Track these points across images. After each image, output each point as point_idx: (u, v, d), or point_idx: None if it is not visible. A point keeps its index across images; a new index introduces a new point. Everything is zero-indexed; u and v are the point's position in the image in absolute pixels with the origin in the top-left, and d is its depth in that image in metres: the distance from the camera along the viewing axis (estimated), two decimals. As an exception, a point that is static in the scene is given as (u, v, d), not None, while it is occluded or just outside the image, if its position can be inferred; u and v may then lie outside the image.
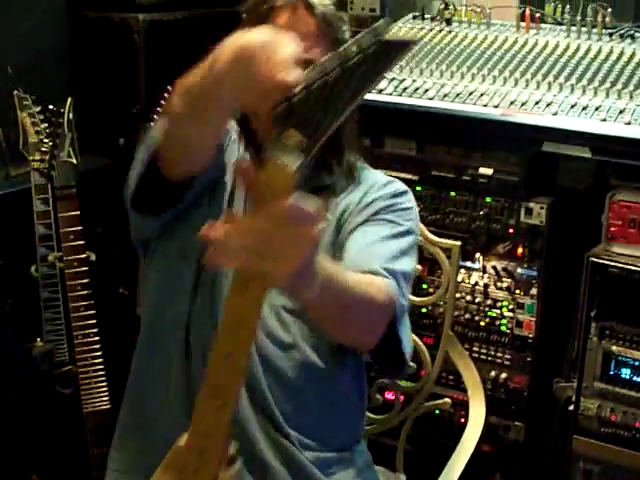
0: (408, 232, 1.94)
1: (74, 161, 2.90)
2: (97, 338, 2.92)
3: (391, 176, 2.10)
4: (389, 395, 2.57)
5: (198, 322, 1.85)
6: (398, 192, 2.01)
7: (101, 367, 2.94)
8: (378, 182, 2.02)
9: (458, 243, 2.35)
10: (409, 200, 2.01)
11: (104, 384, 2.95)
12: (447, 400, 2.41)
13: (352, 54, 1.21)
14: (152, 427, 1.92)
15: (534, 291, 2.99)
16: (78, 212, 2.87)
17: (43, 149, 2.91)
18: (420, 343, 2.41)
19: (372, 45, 1.19)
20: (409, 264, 1.90)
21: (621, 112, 2.74)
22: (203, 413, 1.46)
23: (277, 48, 1.35)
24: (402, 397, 2.50)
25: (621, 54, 2.98)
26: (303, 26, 1.87)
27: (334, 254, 1.88)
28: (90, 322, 2.91)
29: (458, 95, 2.95)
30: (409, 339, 1.86)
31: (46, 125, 2.93)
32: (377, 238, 1.88)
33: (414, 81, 3.03)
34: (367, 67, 1.21)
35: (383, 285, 1.73)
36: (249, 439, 1.80)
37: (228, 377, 1.40)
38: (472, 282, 3.07)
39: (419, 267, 2.37)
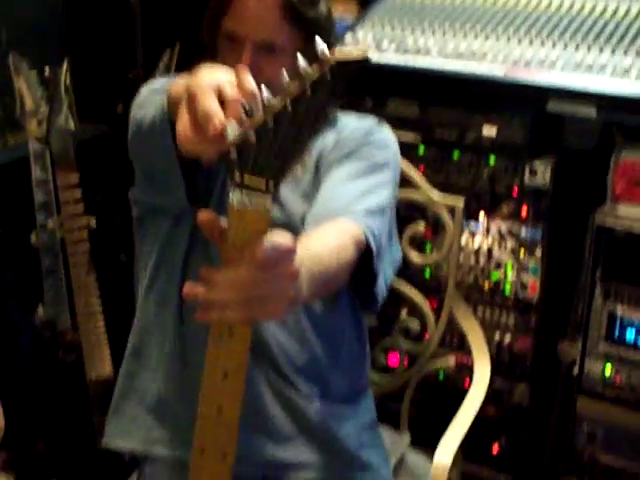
0: (383, 165, 1.92)
1: (72, 126, 2.87)
2: (99, 305, 2.90)
3: (394, 138, 2.07)
4: (393, 359, 2.54)
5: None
6: (371, 127, 1.99)
7: (104, 334, 2.93)
8: (351, 122, 2.00)
9: (462, 198, 2.31)
10: (384, 133, 1.99)
11: (107, 351, 2.93)
12: (451, 358, 2.38)
13: (301, 88, 1.14)
14: (146, 391, 1.92)
15: (538, 252, 2.97)
16: (77, 178, 2.84)
17: (40, 116, 2.87)
18: (424, 304, 2.39)
19: (322, 74, 1.13)
20: (384, 198, 1.86)
21: (627, 70, 2.71)
22: (201, 474, 1.39)
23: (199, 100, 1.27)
24: (406, 361, 2.47)
25: (628, 11, 2.93)
26: (269, 11, 1.84)
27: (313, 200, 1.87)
28: (92, 289, 2.89)
29: (461, 54, 2.92)
30: (385, 274, 1.85)
31: (42, 90, 2.89)
32: (349, 176, 1.86)
33: (416, 41, 3.00)
34: (322, 95, 1.14)
35: (352, 234, 1.69)
36: (252, 390, 1.78)
37: (224, 431, 1.34)
38: (475, 244, 3.05)
39: (422, 226, 2.35)
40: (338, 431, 1.92)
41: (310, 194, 1.88)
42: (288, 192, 1.88)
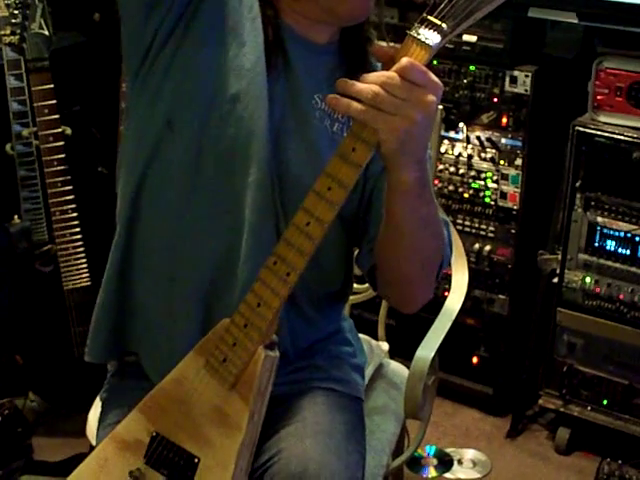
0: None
1: (46, 32, 2.82)
2: (75, 214, 2.88)
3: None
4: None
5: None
6: None
7: (80, 244, 2.91)
8: None
9: (440, 107, 2.27)
10: None
11: (84, 261, 2.92)
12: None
13: None
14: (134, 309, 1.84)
15: (519, 162, 2.96)
16: (52, 85, 2.80)
17: (14, 21, 2.81)
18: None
19: None
20: None
21: (609, -25, 2.67)
22: (263, 283, 1.49)
23: None
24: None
25: None
26: None
27: None
28: (68, 198, 2.86)
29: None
30: None
31: (16, -4, 2.83)
32: None
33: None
34: None
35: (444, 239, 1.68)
36: None
37: (303, 244, 1.44)
38: (455, 153, 3.04)
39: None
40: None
41: None
42: None
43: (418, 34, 1.35)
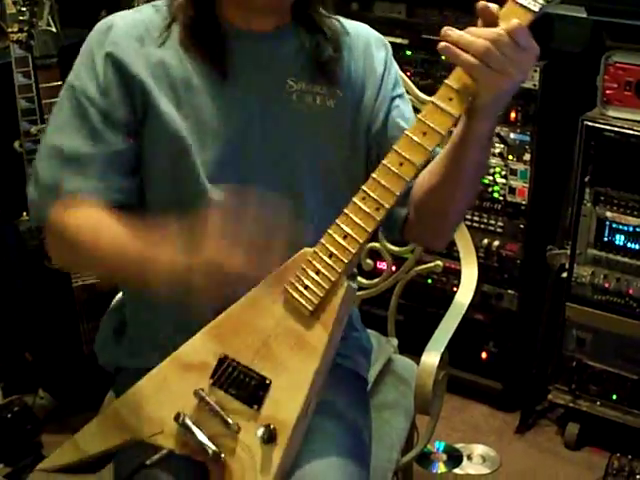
0: None
1: (54, 29, 2.82)
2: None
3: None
4: (381, 265, 2.50)
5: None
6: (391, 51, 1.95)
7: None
8: (372, 36, 1.92)
9: (450, 101, 2.26)
10: None
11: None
12: (439, 263, 2.35)
13: None
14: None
15: (527, 157, 2.95)
16: (60, 82, 2.79)
17: (21, 18, 2.82)
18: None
19: None
20: None
21: (617, -32, 2.66)
22: (349, 218, 1.53)
23: None
24: (394, 267, 2.43)
25: None
26: None
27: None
28: (76, 196, 2.86)
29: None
30: None
31: (23, -7, 2.83)
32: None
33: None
34: None
35: None
36: None
37: (394, 183, 1.50)
38: (464, 148, 3.03)
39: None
40: None
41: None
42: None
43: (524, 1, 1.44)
